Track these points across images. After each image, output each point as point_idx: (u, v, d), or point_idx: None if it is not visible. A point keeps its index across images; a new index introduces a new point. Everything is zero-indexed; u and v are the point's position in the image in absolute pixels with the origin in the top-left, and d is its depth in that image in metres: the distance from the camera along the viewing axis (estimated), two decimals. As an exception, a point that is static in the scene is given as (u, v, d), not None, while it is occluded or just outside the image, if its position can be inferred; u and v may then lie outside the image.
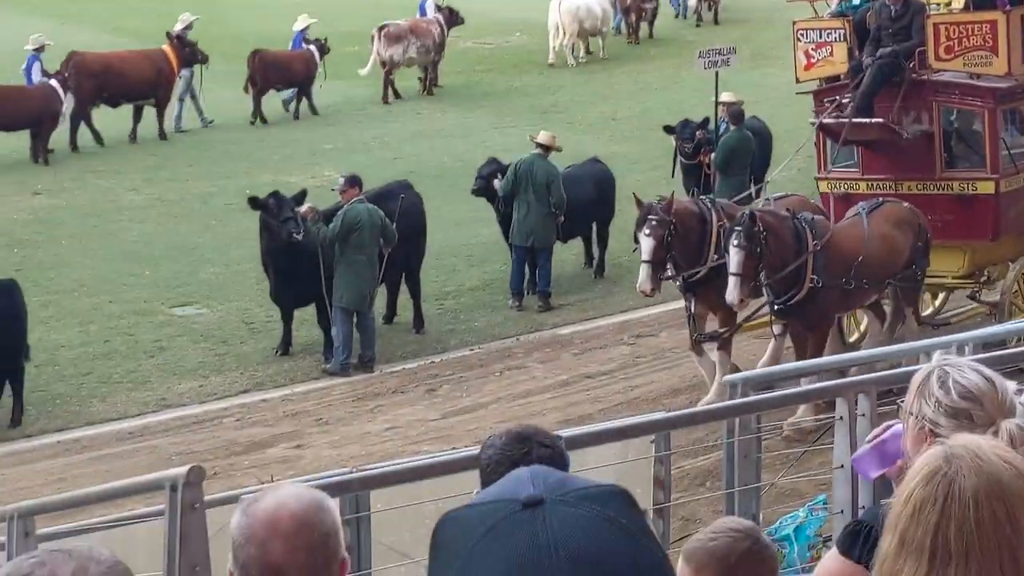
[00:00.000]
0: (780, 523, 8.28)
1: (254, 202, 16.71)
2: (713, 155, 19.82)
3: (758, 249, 13.56)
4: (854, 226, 14.68)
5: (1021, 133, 16.04)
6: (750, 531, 4.24)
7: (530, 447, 3.79)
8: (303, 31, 29.55)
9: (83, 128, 26.23)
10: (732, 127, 19.98)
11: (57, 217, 22.40)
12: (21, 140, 26.05)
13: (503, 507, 2.82)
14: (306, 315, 17.32)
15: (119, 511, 8.18)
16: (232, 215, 21.57)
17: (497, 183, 18.45)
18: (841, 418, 6.40)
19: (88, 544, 2.74)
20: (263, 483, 10.22)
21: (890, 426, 4.23)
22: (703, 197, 15.24)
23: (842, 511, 6.43)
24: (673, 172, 21.14)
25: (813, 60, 16.19)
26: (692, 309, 14.86)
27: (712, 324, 15.13)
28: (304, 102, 29.15)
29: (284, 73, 28.82)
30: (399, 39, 30.00)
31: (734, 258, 13.54)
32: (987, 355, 7.48)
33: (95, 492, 6.54)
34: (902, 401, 3.97)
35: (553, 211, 18.22)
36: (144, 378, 16.44)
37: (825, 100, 16.05)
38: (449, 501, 6.68)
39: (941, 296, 16.65)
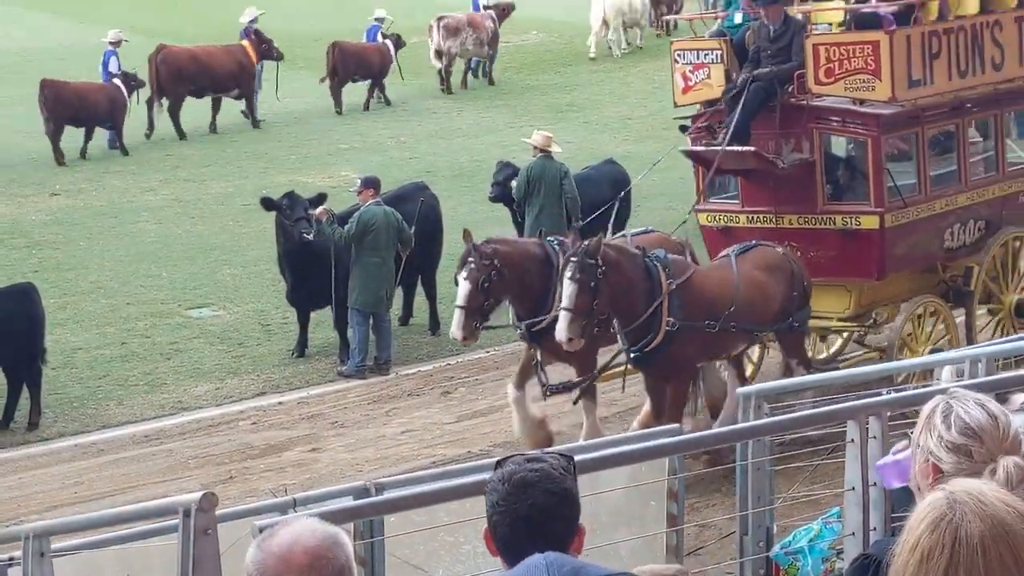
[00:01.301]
0: (794, 536, 8.28)
1: (267, 202, 16.77)
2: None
3: (592, 283, 12.33)
4: (720, 268, 13.59)
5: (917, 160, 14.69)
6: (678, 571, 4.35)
7: (534, 497, 3.56)
8: (379, 24, 30.21)
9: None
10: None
11: (75, 218, 22.48)
12: (42, 142, 26.15)
13: None
14: (322, 317, 17.36)
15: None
16: (249, 216, 21.62)
17: (514, 184, 18.43)
18: (852, 440, 6.40)
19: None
20: (276, 494, 10.26)
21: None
22: (551, 238, 13.95)
23: (853, 533, 6.43)
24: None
25: (691, 83, 14.91)
26: (538, 357, 13.61)
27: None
28: (376, 94, 29.99)
29: (361, 65, 29.48)
30: (457, 31, 30.50)
31: (566, 291, 12.33)
32: (1006, 375, 7.48)
33: (108, 515, 6.58)
34: (911, 431, 4.01)
35: (567, 212, 18.18)
36: (160, 381, 16.49)
37: (701, 125, 14.92)
38: (463, 520, 6.71)
39: (841, 339, 15.49)
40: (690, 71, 14.87)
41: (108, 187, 24.24)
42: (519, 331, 13.94)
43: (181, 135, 27.23)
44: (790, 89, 14.21)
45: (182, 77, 27.31)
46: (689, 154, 14.99)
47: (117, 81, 26.29)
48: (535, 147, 18.07)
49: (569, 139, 24.41)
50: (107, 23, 38.49)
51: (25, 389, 15.34)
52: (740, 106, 14.04)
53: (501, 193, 18.59)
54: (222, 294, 19.19)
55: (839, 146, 14.87)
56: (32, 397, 15.33)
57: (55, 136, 25.52)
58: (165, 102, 27.24)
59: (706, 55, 14.80)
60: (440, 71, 30.87)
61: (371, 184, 16.70)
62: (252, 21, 28.85)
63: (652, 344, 12.77)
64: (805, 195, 14.27)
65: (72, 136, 26.05)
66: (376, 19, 30.79)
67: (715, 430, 10.19)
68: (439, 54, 30.70)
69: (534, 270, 13.49)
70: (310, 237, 16.26)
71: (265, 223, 18.42)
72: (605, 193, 19.12)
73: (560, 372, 14.03)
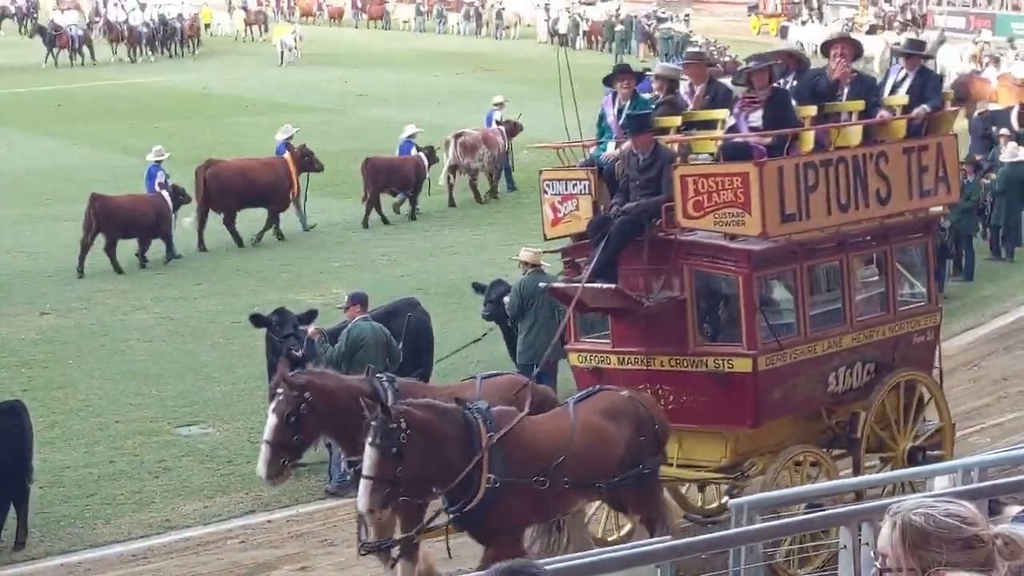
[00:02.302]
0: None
1: (256, 319, 16.74)
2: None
3: (395, 449, 11.18)
4: (556, 416, 12.44)
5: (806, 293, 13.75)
6: None
7: None
8: (412, 141, 30.66)
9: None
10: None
11: (64, 337, 22.43)
12: (30, 261, 26.21)
13: None
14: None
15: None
16: (239, 333, 21.57)
17: (506, 301, 18.42)
18: (845, 547, 6.33)
19: None
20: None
21: None
22: (382, 375, 12.95)
23: (848, 642, 6.34)
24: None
25: (560, 215, 14.07)
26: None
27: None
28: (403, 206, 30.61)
29: (394, 177, 30.09)
30: (474, 148, 31.13)
31: (366, 458, 11.26)
32: (1000, 482, 7.43)
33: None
34: (880, 567, 3.96)
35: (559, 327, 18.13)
36: (149, 499, 16.34)
37: (569, 260, 14.10)
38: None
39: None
40: (559, 202, 14.09)
41: (98, 306, 24.21)
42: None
43: (239, 243, 28.07)
44: (658, 223, 13.34)
45: (230, 191, 28.06)
46: (551, 292, 14.21)
47: (164, 193, 26.82)
48: (524, 263, 18.11)
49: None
50: (102, 145, 38.97)
51: (12, 508, 15.19)
52: (604, 241, 13.25)
53: (495, 311, 18.57)
54: (211, 412, 19.09)
55: (715, 283, 13.81)
56: (19, 516, 15.16)
57: (109, 250, 26.14)
58: (192, 217, 27.79)
59: (574, 186, 13.99)
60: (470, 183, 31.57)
61: (358, 300, 16.65)
62: (289, 137, 29.60)
63: (472, 504, 11.58)
64: (676, 335, 13.34)
65: (69, 254, 26.11)
66: (408, 136, 31.23)
67: (707, 536, 10.05)
68: (454, 169, 31.21)
69: (357, 409, 11.71)
70: (299, 353, 16.21)
71: (255, 340, 18.39)
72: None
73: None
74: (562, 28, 67.31)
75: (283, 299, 21.45)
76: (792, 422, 13.65)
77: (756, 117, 13.75)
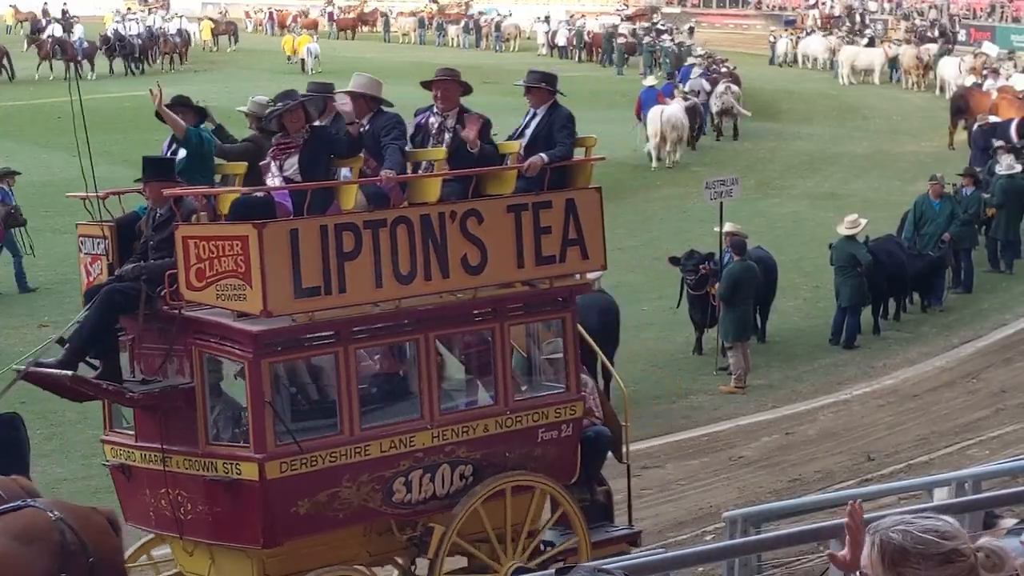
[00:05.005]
0: (783, 663, 8.16)
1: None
2: (717, 286, 19.92)
3: None
4: None
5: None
6: None
7: None
8: None
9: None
10: (735, 258, 20.06)
11: (63, 348, 22.40)
12: (30, 272, 26.18)
13: None
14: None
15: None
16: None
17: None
18: (837, 560, 6.31)
19: None
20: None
21: None
22: None
23: (840, 656, 6.31)
24: (679, 303, 21.20)
25: (92, 277, 11.94)
26: None
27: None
28: None
29: None
30: None
31: None
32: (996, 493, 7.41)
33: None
34: None
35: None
36: (146, 512, 16.31)
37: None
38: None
39: None
40: (90, 263, 12.05)
41: (97, 318, 24.19)
42: None
43: None
44: (163, 293, 11.03)
45: None
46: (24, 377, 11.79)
47: None
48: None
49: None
50: (101, 157, 38.73)
51: (8, 520, 15.18)
52: (86, 315, 11.26)
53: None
54: (210, 424, 19.07)
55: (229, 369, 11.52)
56: (15, 529, 15.16)
57: None
58: None
59: (97, 244, 11.92)
60: None
61: None
62: None
63: None
64: (189, 432, 11.07)
65: (68, 266, 26.06)
66: None
67: (701, 548, 10.04)
68: None
69: None
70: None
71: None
72: (593, 321, 19.07)
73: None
74: (560, 40, 67.44)
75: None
76: (361, 536, 11.42)
77: (291, 164, 11.48)
